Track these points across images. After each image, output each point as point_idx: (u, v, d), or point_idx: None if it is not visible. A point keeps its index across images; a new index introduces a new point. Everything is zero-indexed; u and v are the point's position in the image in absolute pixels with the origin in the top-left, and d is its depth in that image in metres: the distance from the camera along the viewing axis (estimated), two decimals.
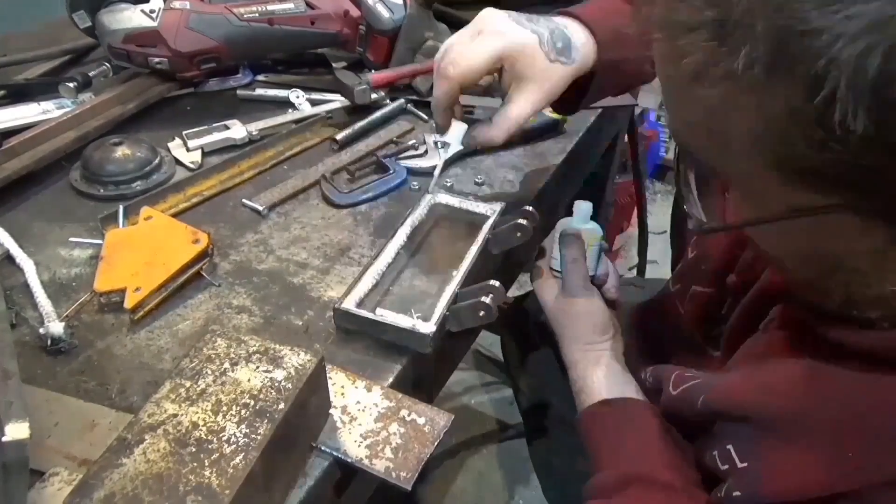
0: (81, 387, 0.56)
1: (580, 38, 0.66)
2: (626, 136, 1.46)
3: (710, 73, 0.36)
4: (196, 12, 0.89)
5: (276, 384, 0.46)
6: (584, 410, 0.67)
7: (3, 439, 0.38)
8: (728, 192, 0.46)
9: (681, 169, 0.47)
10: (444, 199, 0.74)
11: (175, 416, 0.44)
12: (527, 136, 0.89)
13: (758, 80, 0.35)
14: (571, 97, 0.69)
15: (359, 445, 0.50)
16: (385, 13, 0.95)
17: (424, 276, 0.65)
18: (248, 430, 0.44)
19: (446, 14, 1.11)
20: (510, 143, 0.88)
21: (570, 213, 0.77)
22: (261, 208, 0.75)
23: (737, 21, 0.34)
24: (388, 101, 0.94)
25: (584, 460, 0.66)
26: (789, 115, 0.35)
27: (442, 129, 0.70)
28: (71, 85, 0.89)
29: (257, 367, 0.47)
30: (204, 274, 0.66)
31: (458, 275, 0.62)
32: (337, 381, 0.54)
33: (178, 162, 0.83)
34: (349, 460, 0.49)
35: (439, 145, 0.84)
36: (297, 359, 0.48)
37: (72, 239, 0.70)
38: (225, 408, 0.45)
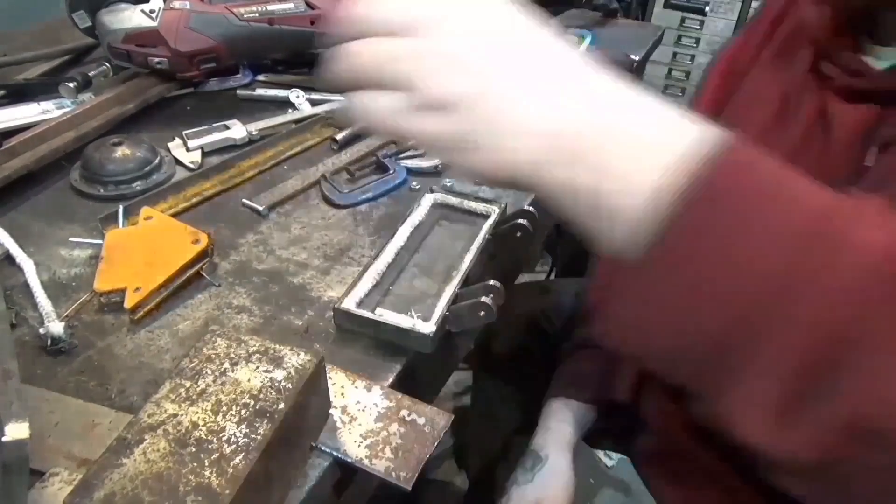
0: (81, 387, 0.56)
1: None
2: None
3: None
4: (196, 12, 0.89)
5: (276, 384, 0.46)
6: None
7: (3, 439, 0.38)
8: None
9: None
10: (444, 199, 0.74)
11: (175, 416, 0.44)
12: None
13: None
14: None
15: (359, 445, 0.50)
16: None
17: (424, 276, 0.65)
18: (248, 430, 0.44)
19: None
20: None
21: None
22: (261, 208, 0.75)
23: None
24: None
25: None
26: None
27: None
28: (71, 85, 0.89)
29: (257, 367, 0.47)
30: (204, 274, 0.66)
31: (458, 275, 0.62)
32: (337, 381, 0.54)
33: (178, 162, 0.83)
34: (349, 460, 0.49)
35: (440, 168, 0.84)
36: (297, 359, 0.48)
37: (72, 239, 0.70)
38: (225, 408, 0.45)
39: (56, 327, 0.58)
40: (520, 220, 0.67)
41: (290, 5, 0.95)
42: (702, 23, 2.26)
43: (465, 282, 0.62)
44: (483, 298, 0.58)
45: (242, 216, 0.76)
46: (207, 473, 0.41)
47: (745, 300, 0.29)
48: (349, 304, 0.60)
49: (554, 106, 0.33)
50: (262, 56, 1.05)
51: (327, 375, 0.51)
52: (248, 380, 0.46)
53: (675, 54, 2.37)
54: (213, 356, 0.48)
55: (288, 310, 0.63)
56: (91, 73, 0.92)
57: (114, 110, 0.88)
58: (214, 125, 0.88)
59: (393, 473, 0.48)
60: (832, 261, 0.29)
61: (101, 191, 0.77)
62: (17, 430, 0.38)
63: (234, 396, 0.45)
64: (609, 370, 0.80)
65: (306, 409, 0.48)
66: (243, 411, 0.45)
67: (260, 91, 0.99)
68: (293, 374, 0.47)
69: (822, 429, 0.29)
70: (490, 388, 1.12)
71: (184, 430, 0.43)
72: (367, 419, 0.52)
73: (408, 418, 0.51)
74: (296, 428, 0.47)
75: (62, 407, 0.53)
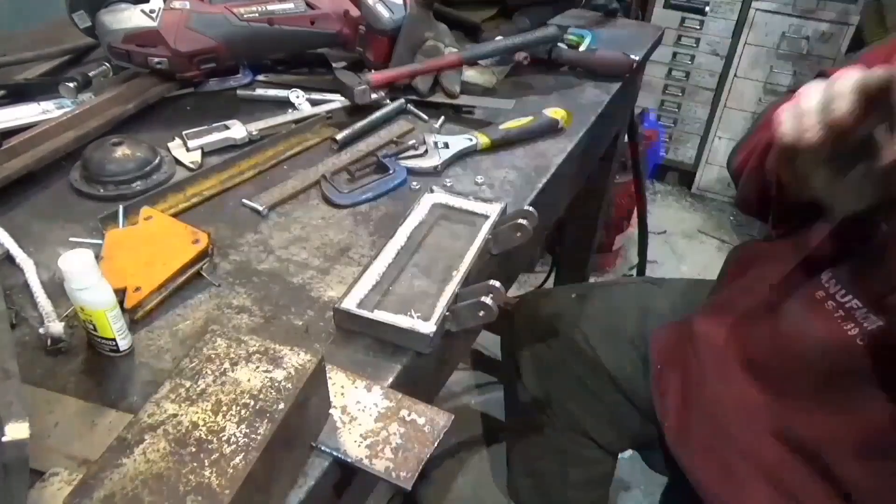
0: (81, 387, 0.56)
1: None
2: (626, 136, 1.46)
3: None
4: (196, 12, 0.89)
5: (276, 384, 0.46)
6: None
7: (3, 439, 0.38)
8: None
9: None
10: (444, 199, 0.74)
11: (175, 416, 0.44)
12: (527, 136, 0.89)
13: None
14: None
15: (359, 445, 0.50)
16: (385, 13, 0.95)
17: (424, 276, 0.65)
18: (248, 430, 0.44)
19: (446, 14, 1.11)
20: (510, 143, 0.88)
21: (570, 215, 0.77)
22: (261, 208, 0.75)
23: None
24: (388, 101, 0.94)
25: (574, 469, 0.63)
26: None
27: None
28: (71, 85, 0.89)
29: (257, 367, 0.47)
30: (204, 274, 0.66)
31: (458, 275, 0.62)
32: (337, 381, 0.54)
33: (178, 162, 0.83)
34: (349, 460, 0.49)
35: (439, 145, 0.84)
36: (297, 359, 0.48)
37: (72, 239, 0.70)
38: (225, 408, 0.45)
39: (56, 327, 0.58)
40: (520, 220, 0.67)
41: (290, 5, 0.95)
42: (702, 23, 2.26)
43: (465, 282, 0.62)
44: (483, 298, 0.58)
45: (242, 216, 0.76)
46: (207, 473, 0.41)
47: None
48: (349, 304, 0.60)
49: None
50: (262, 56, 1.05)
51: (327, 375, 0.51)
52: (248, 380, 0.46)
53: (675, 54, 2.37)
54: (213, 356, 0.48)
55: (288, 310, 0.63)
56: (91, 73, 0.92)
57: (114, 110, 0.88)
58: (214, 125, 0.88)
59: (393, 473, 0.48)
60: None
61: (101, 191, 0.77)
62: (17, 430, 0.38)
63: (234, 396, 0.45)
64: None
65: (306, 409, 0.48)
66: (243, 411, 0.45)
67: (260, 91, 0.99)
68: (293, 374, 0.47)
69: None
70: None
71: (184, 430, 0.43)
72: (367, 419, 0.52)
73: (408, 418, 0.51)
74: (296, 428, 0.47)
75: (62, 407, 0.53)
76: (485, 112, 0.95)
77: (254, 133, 0.87)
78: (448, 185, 0.80)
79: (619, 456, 1.07)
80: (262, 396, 0.45)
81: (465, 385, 1.81)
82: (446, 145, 0.85)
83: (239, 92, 0.99)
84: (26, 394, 0.51)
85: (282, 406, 0.45)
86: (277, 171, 0.83)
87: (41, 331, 0.58)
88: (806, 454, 0.71)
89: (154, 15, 0.88)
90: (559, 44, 1.07)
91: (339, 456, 0.49)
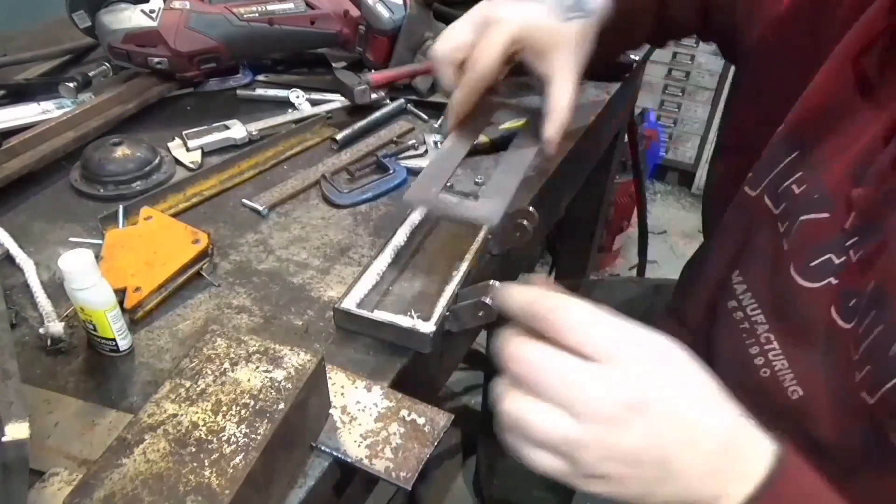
0: (81, 387, 0.56)
1: None
2: (626, 136, 1.46)
3: None
4: (196, 12, 0.89)
5: (276, 384, 0.46)
6: None
7: (3, 439, 0.38)
8: None
9: None
10: (445, 198, 0.74)
11: (175, 416, 0.44)
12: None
13: None
14: (604, 56, 0.66)
15: (359, 445, 0.50)
16: (385, 13, 0.95)
17: (424, 276, 0.65)
18: (248, 430, 0.44)
19: (446, 14, 1.11)
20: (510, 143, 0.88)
21: (570, 215, 0.76)
22: (261, 208, 0.75)
23: None
24: (388, 101, 0.94)
25: None
26: None
27: (446, 133, 0.65)
28: (71, 85, 0.89)
29: (257, 367, 0.47)
30: (204, 274, 0.66)
31: (458, 275, 0.62)
32: (337, 381, 0.54)
33: (178, 162, 0.83)
34: (349, 460, 0.49)
35: (439, 145, 0.84)
36: (297, 359, 0.48)
37: (72, 239, 0.70)
38: (225, 408, 0.45)
39: (56, 327, 0.58)
40: (520, 220, 0.67)
41: (290, 5, 0.95)
42: None
43: (465, 282, 0.62)
44: (483, 298, 0.58)
45: (242, 216, 0.76)
46: (207, 473, 0.41)
47: None
48: (349, 304, 0.59)
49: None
50: (262, 56, 1.05)
51: (327, 375, 0.51)
52: (248, 380, 0.46)
53: (675, 54, 2.37)
54: (213, 356, 0.48)
55: (288, 310, 0.63)
56: (91, 73, 0.92)
57: (114, 110, 0.88)
58: (214, 125, 0.88)
59: (393, 473, 0.48)
60: None
61: (101, 191, 0.77)
62: (17, 430, 0.38)
63: (234, 396, 0.45)
64: None
65: (306, 409, 0.48)
66: (243, 411, 0.45)
67: (260, 91, 0.99)
68: (293, 374, 0.47)
69: None
70: None
71: (184, 430, 0.44)
72: (367, 419, 0.52)
73: (408, 418, 0.51)
74: (296, 428, 0.47)
75: (62, 407, 0.53)
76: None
77: (254, 133, 0.87)
78: (448, 185, 0.80)
79: None
80: (262, 396, 0.45)
81: (465, 385, 1.81)
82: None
83: (239, 92, 0.99)
84: (26, 394, 0.51)
85: (282, 406, 0.45)
86: (277, 171, 0.83)
87: (41, 331, 0.58)
88: None
89: (154, 15, 0.88)
90: None
91: (339, 456, 0.49)
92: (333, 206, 0.77)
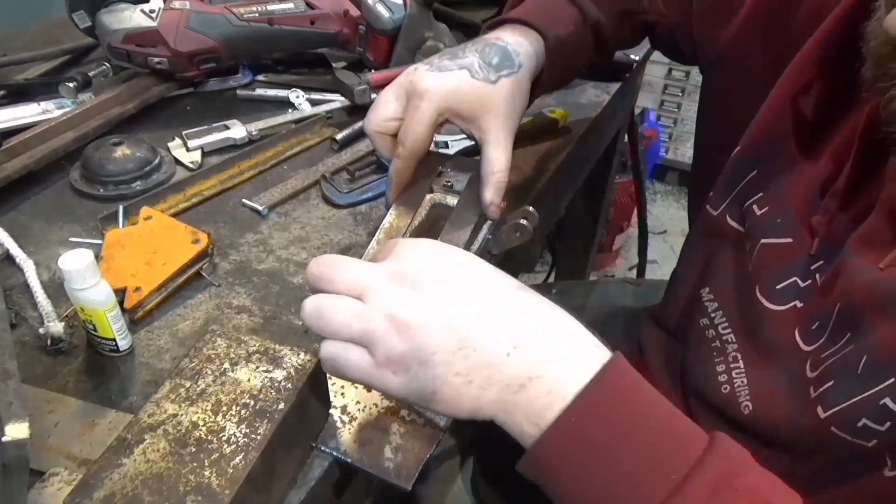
0: (81, 387, 0.56)
1: (517, 40, 0.62)
2: (626, 136, 1.46)
3: None
4: (196, 12, 0.89)
5: (276, 384, 0.46)
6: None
7: (3, 439, 0.38)
8: None
9: None
10: (444, 199, 0.74)
11: (175, 416, 0.44)
12: (527, 136, 0.89)
13: None
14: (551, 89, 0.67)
15: (359, 445, 0.50)
16: (385, 13, 0.95)
17: None
18: (248, 430, 0.44)
19: (446, 14, 1.11)
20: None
21: (570, 215, 0.77)
22: (261, 208, 0.75)
23: None
24: None
25: None
26: None
27: (388, 204, 0.65)
28: (71, 85, 0.89)
29: (257, 367, 0.47)
30: (204, 274, 0.66)
31: None
32: (337, 381, 0.54)
33: (178, 162, 0.83)
34: (349, 460, 0.49)
35: (439, 145, 0.84)
36: (297, 359, 0.48)
37: (72, 239, 0.70)
38: (225, 408, 0.45)
39: (56, 327, 0.58)
40: (520, 220, 0.67)
41: (290, 5, 0.95)
42: None
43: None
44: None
45: (242, 216, 0.76)
46: (207, 473, 0.41)
47: None
48: None
49: (474, 385, 0.40)
50: (262, 56, 1.05)
51: (327, 375, 0.51)
52: (248, 380, 0.46)
53: None
54: (213, 356, 0.48)
55: (288, 310, 0.63)
56: (91, 73, 0.92)
57: (114, 110, 0.88)
58: (214, 125, 0.88)
59: (393, 473, 0.48)
60: None
61: (101, 191, 0.77)
62: (17, 430, 0.38)
63: (234, 396, 0.45)
64: None
65: (306, 409, 0.48)
66: (243, 411, 0.45)
67: (260, 91, 0.99)
68: (293, 374, 0.47)
69: None
70: None
71: (184, 430, 0.44)
72: (367, 419, 0.52)
73: (408, 418, 0.51)
74: (296, 428, 0.47)
75: (62, 407, 0.53)
76: (458, 147, 0.94)
77: (254, 133, 0.87)
78: (448, 185, 0.80)
79: None
80: (262, 396, 0.45)
81: None
82: (446, 145, 0.85)
83: (239, 92, 0.99)
84: (26, 394, 0.51)
85: (282, 406, 0.45)
86: (277, 171, 0.83)
87: (41, 331, 0.58)
88: None
89: (154, 15, 0.88)
90: None
91: (339, 456, 0.49)
92: (333, 206, 0.77)
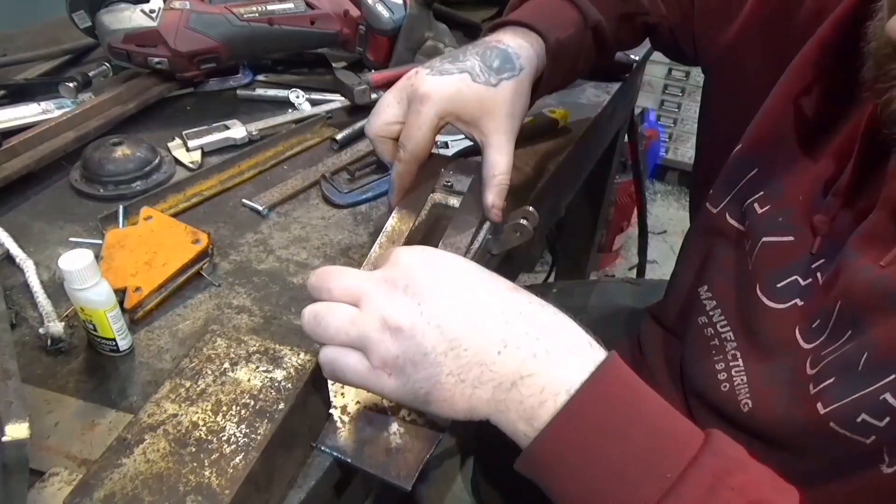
0: (81, 387, 0.56)
1: (517, 43, 0.62)
2: (627, 136, 1.46)
3: None
4: (196, 12, 0.89)
5: (276, 384, 0.46)
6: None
7: (3, 439, 0.38)
8: None
9: None
10: (444, 198, 0.74)
11: (175, 416, 0.44)
12: (527, 135, 0.89)
13: None
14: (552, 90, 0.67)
15: (359, 445, 0.50)
16: (385, 13, 0.95)
17: None
18: (248, 430, 0.44)
19: (446, 14, 1.11)
20: None
21: (570, 215, 0.77)
22: (261, 208, 0.75)
23: None
24: None
25: None
26: None
27: (391, 207, 0.66)
28: (71, 85, 0.89)
29: (257, 367, 0.47)
30: (204, 274, 0.66)
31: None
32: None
33: (178, 162, 0.83)
34: (349, 460, 0.49)
35: (439, 145, 0.84)
36: (297, 359, 0.48)
37: (72, 239, 0.70)
38: (225, 408, 0.45)
39: (56, 327, 0.58)
40: (520, 220, 0.67)
41: (290, 5, 0.95)
42: None
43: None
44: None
45: (242, 216, 0.76)
46: (207, 473, 0.41)
47: None
48: None
49: (468, 384, 0.41)
50: (262, 56, 1.05)
51: None
52: (248, 380, 0.46)
53: None
54: (213, 356, 0.48)
55: (288, 310, 0.63)
56: (91, 73, 0.92)
57: (114, 110, 0.88)
58: (214, 125, 0.88)
59: (393, 473, 0.48)
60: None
61: (101, 191, 0.77)
62: (17, 430, 0.38)
63: (234, 396, 0.46)
64: None
65: (306, 409, 0.48)
66: (243, 411, 0.45)
67: (260, 91, 0.99)
68: (293, 374, 0.47)
69: None
70: None
71: (184, 430, 0.44)
72: (367, 419, 0.52)
73: (408, 418, 0.51)
74: (296, 428, 0.47)
75: (62, 407, 0.53)
76: (460, 149, 0.94)
77: (254, 133, 0.87)
78: (448, 184, 0.80)
79: None
80: (262, 396, 0.45)
81: None
82: (446, 145, 0.85)
83: (239, 92, 0.99)
84: (26, 394, 0.51)
85: (282, 406, 0.45)
86: (277, 171, 0.83)
87: (41, 331, 0.58)
88: None
89: (154, 15, 0.88)
90: None
91: (339, 456, 0.49)
92: (333, 206, 0.77)
